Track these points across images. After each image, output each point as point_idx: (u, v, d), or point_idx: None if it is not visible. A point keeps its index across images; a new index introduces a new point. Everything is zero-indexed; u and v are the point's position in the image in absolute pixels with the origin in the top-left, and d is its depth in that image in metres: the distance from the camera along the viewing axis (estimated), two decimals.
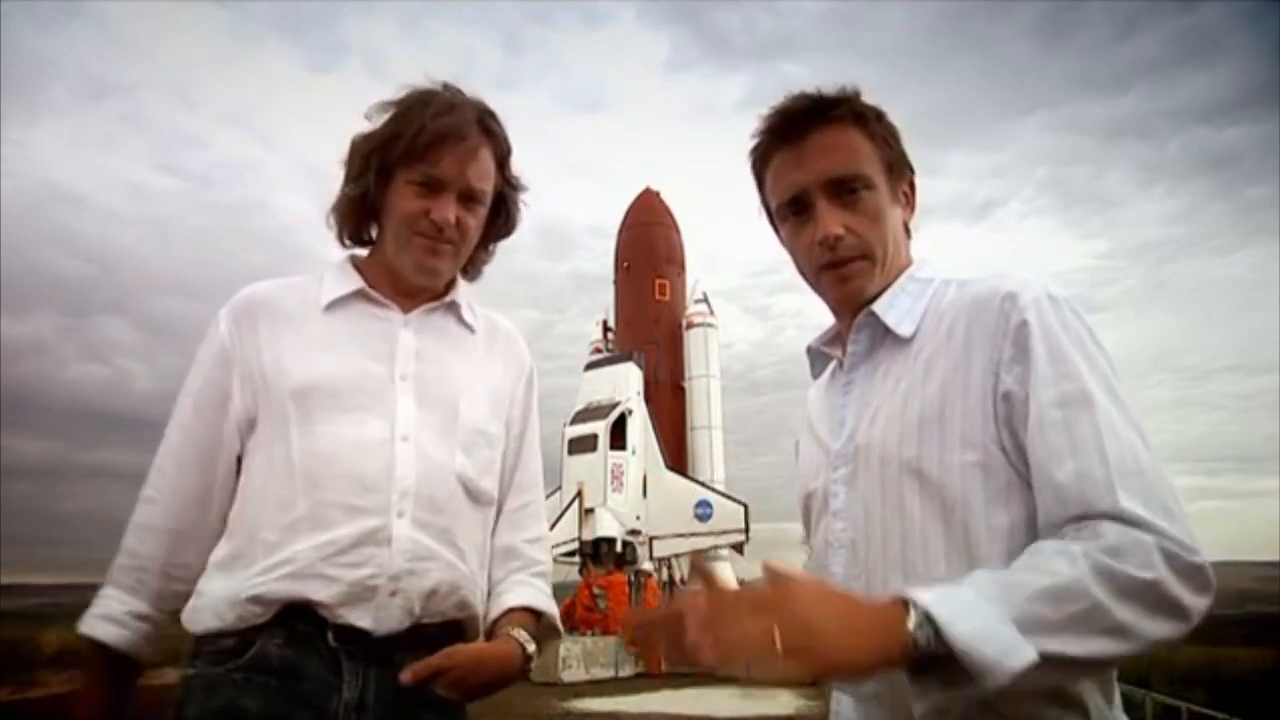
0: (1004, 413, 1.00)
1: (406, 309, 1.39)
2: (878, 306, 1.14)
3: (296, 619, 1.21)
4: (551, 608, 1.44)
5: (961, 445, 1.02)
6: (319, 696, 1.20)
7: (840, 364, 1.23)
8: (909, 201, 1.19)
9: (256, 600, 1.21)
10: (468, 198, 1.34)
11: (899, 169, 1.17)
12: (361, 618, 1.22)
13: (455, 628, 1.32)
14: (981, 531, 0.99)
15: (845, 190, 1.12)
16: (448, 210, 1.32)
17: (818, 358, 1.30)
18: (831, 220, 1.11)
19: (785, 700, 12.40)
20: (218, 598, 1.23)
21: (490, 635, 1.36)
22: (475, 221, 1.38)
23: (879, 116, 1.16)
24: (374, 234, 1.43)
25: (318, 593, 1.20)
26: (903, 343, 1.12)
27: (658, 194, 24.84)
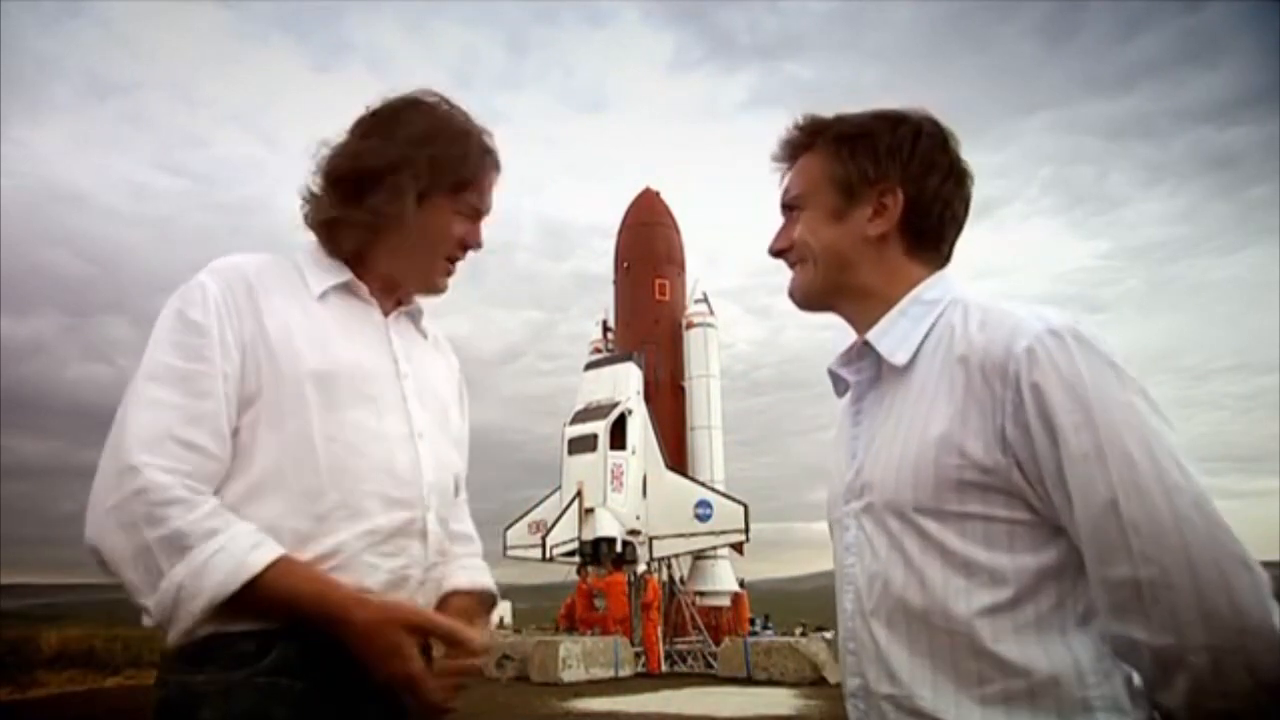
0: (1005, 462, 0.99)
1: (384, 310, 1.40)
2: (872, 335, 1.14)
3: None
4: (493, 587, 1.47)
5: (959, 492, 1.01)
6: (347, 699, 1.17)
7: (850, 389, 1.23)
8: (883, 212, 1.16)
9: None
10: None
11: (860, 184, 1.17)
12: None
13: None
14: (984, 576, 0.99)
15: (788, 209, 1.26)
16: (481, 235, 1.39)
17: (838, 379, 1.27)
18: (775, 238, 1.27)
19: (785, 700, 12.39)
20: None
21: (446, 603, 1.34)
22: None
23: (840, 138, 1.19)
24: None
25: (364, 580, 1.19)
26: (902, 372, 1.11)
27: (657, 194, 24.78)
